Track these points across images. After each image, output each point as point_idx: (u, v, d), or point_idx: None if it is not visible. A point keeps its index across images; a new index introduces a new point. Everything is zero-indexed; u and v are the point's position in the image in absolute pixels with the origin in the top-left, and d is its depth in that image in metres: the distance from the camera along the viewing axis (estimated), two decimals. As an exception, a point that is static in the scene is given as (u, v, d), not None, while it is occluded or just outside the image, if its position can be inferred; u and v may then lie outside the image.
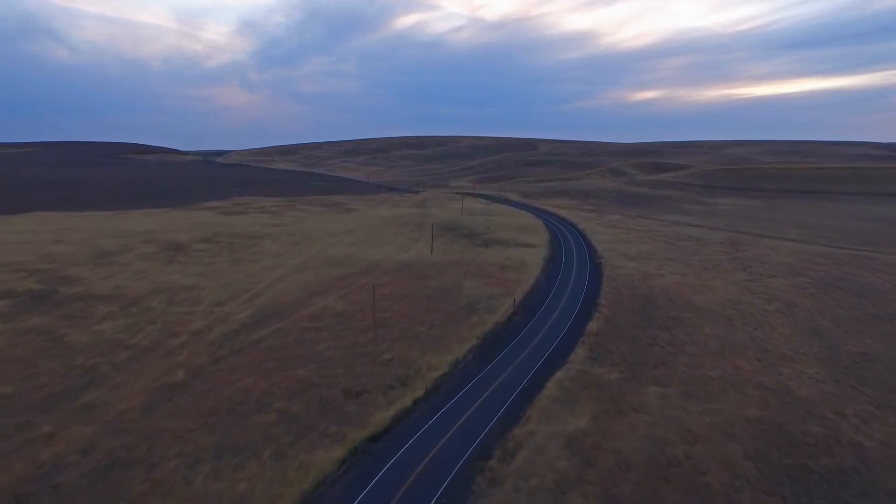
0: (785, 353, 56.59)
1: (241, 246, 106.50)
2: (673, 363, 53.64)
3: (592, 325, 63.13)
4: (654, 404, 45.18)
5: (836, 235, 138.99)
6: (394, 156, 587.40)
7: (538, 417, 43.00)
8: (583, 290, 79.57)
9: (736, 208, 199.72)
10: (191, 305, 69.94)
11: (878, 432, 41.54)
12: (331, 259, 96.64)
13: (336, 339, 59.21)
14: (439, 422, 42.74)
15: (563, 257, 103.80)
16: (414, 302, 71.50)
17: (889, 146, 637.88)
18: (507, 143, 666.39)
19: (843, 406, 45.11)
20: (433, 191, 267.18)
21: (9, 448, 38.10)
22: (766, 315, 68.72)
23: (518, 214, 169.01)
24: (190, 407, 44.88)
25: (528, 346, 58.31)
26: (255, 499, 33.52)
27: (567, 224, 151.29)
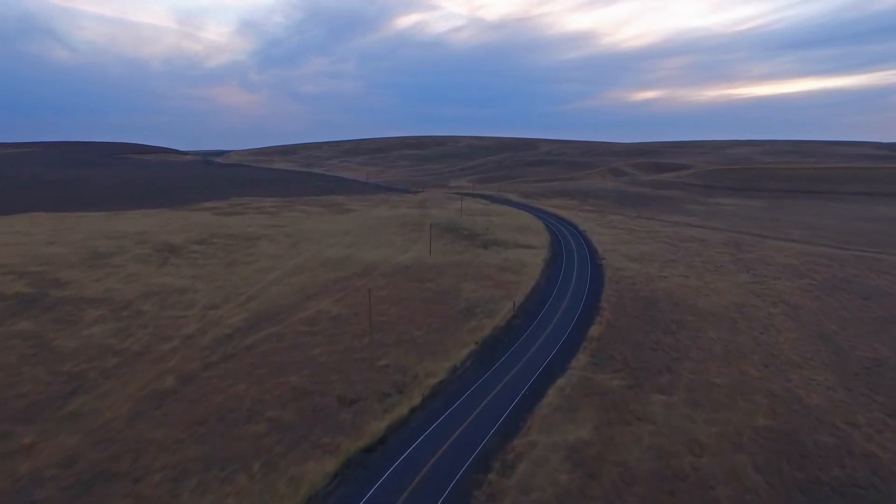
0: (792, 359, 55.06)
1: (237, 247, 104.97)
2: (677, 369, 52.13)
3: (594, 330, 61.61)
4: (659, 413, 43.66)
5: (838, 236, 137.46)
6: (393, 156, 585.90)
7: (539, 427, 41.48)
8: (584, 293, 78.06)
9: (737, 209, 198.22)
10: (183, 309, 68.42)
11: (892, 442, 40.03)
12: (328, 261, 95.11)
13: (331, 343, 57.69)
14: (436, 432, 41.21)
15: (564, 259, 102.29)
16: (411, 305, 69.97)
17: (889, 146, 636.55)
18: (507, 143, 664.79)
19: (854, 415, 43.58)
20: (432, 191, 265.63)
21: (-13, 461, 36.61)
22: (771, 318, 67.20)
23: (518, 215, 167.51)
24: (179, 416, 43.36)
25: (528, 351, 56.77)
26: (243, 515, 32.04)
27: (567, 224, 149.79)
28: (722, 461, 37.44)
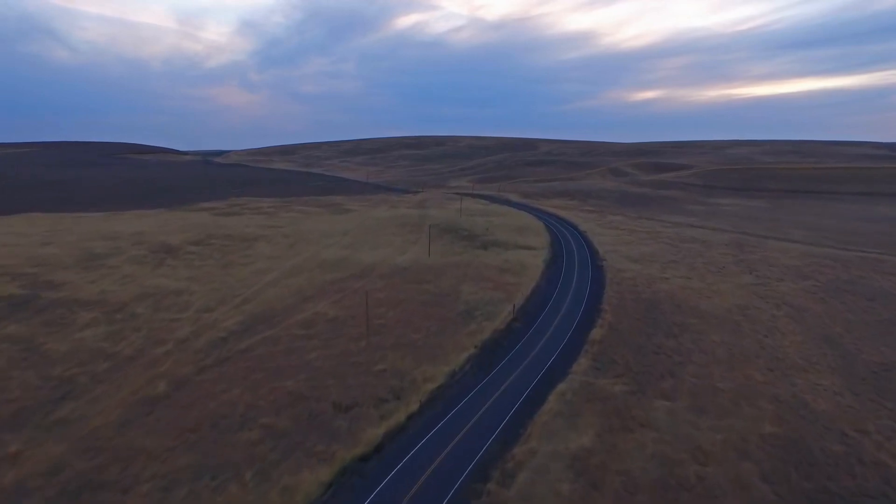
0: (797, 363, 53.99)
1: (234, 248, 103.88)
2: (680, 373, 51.06)
3: (595, 333, 60.53)
4: (663, 419, 42.58)
5: (840, 236, 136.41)
6: (393, 156, 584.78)
7: (539, 434, 40.40)
8: (585, 295, 76.98)
9: (739, 209, 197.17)
10: (178, 311, 67.34)
11: (902, 450, 38.93)
12: (325, 262, 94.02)
13: (327, 347, 56.61)
14: (434, 439, 40.13)
15: (564, 260, 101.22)
16: (410, 308, 68.89)
17: (889, 146, 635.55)
18: (507, 143, 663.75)
19: (863, 421, 42.50)
20: (432, 191, 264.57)
21: (-30, 470, 35.53)
22: (775, 321, 66.14)
23: (518, 215, 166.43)
24: (170, 422, 42.28)
25: (528, 355, 55.69)
26: (233, 528, 30.97)
27: (568, 225, 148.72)
28: (728, 470, 36.37)
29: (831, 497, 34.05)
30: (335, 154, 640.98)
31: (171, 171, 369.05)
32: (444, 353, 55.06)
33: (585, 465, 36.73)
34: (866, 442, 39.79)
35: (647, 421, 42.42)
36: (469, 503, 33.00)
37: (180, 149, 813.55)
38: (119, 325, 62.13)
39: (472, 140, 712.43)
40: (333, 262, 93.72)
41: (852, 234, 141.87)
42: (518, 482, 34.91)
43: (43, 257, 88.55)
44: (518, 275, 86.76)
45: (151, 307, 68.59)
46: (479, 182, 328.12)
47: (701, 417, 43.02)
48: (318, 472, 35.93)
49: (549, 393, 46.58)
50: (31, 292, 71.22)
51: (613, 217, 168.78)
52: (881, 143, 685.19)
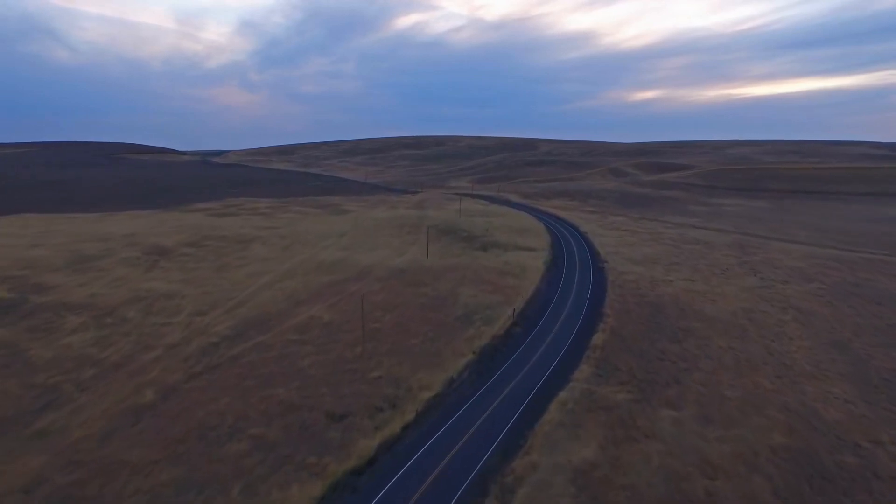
0: (806, 369, 52.31)
1: (229, 250, 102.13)
2: (686, 381, 49.38)
3: (598, 338, 58.82)
4: (668, 430, 40.88)
5: (844, 237, 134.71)
6: (392, 156, 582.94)
7: (540, 446, 38.71)
8: (586, 298, 75.28)
9: (741, 209, 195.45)
10: (169, 316, 65.64)
11: (919, 463, 37.24)
12: (321, 264, 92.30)
13: (321, 353, 54.91)
14: (430, 451, 38.45)
15: (565, 261, 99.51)
16: (407, 312, 67.18)
17: (889, 146, 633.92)
18: (507, 143, 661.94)
19: (877, 432, 40.81)
20: (431, 191, 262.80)
21: (-57, 486, 33.85)
22: (782, 325, 64.44)
23: (518, 216, 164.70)
24: (156, 433, 40.59)
25: (528, 361, 53.99)
26: (216, 550, 29.27)
27: (568, 226, 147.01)
28: (738, 485, 34.69)
29: (847, 514, 32.40)
30: (334, 154, 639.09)
31: (168, 171, 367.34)
32: (441, 359, 53.37)
33: (588, 479, 35.07)
34: (881, 454, 38.10)
35: (653, 431, 40.75)
36: (466, 522, 31.36)
37: (180, 149, 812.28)
38: (108, 330, 60.43)
39: (471, 140, 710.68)
40: (330, 265, 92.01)
41: (856, 234, 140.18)
42: (518, 498, 33.26)
43: (32, 259, 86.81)
44: (518, 277, 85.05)
45: (142, 311, 66.89)
46: (479, 182, 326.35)
47: (708, 428, 41.33)
48: (308, 487, 34.30)
49: (550, 402, 44.90)
50: (18, 296, 69.51)
51: (615, 218, 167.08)
52: (881, 143, 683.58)
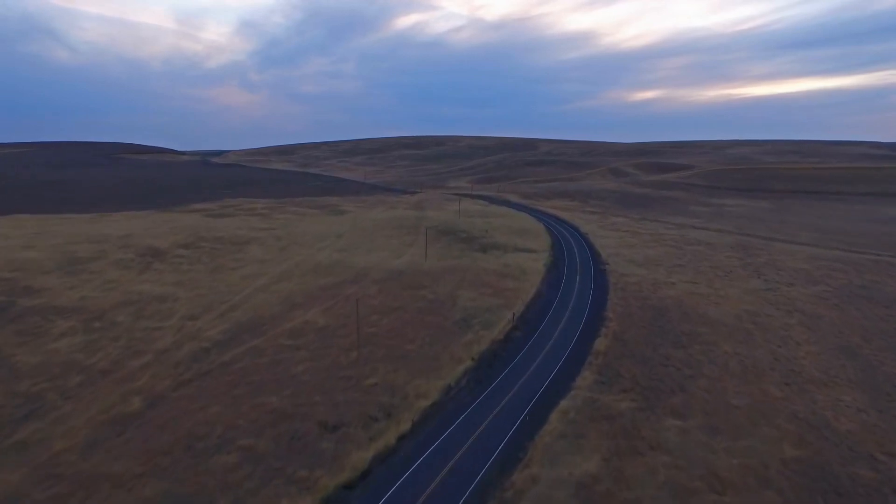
0: (815, 376, 50.73)
1: (224, 252, 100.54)
2: (691, 388, 47.80)
3: (600, 343, 57.24)
4: (674, 441, 39.29)
5: (848, 238, 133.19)
6: (392, 156, 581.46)
7: (541, 458, 37.13)
8: (588, 302, 73.69)
9: (743, 210, 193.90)
10: (160, 319, 64.07)
11: (937, 477, 35.66)
12: (318, 266, 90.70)
13: (315, 359, 53.32)
14: (426, 463, 36.87)
15: (566, 263, 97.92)
16: (404, 316, 65.59)
17: (889, 145, 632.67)
18: (507, 143, 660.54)
19: (892, 443, 39.20)
20: (430, 192, 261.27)
21: (-86, 502, 32.30)
22: (788, 329, 62.87)
23: (518, 217, 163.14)
24: (141, 444, 39.00)
25: (528, 368, 52.39)
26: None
27: (569, 227, 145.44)
28: (748, 500, 33.08)
29: (863, 532, 30.84)
30: (334, 154, 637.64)
31: (168, 171, 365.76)
32: (439, 365, 51.79)
33: (591, 493, 33.50)
34: (897, 467, 36.51)
35: (658, 442, 39.16)
36: (463, 541, 29.78)
37: (180, 149, 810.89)
38: (97, 335, 58.85)
39: (471, 140, 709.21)
40: (326, 266, 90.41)
41: (860, 235, 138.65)
42: (518, 515, 31.69)
43: (23, 261, 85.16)
44: (518, 280, 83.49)
45: (133, 315, 65.32)
46: (479, 182, 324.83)
47: (715, 438, 39.75)
48: (298, 503, 32.73)
49: (551, 411, 43.33)
50: (6, 299, 67.92)
51: (615, 219, 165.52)
52: (881, 143, 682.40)
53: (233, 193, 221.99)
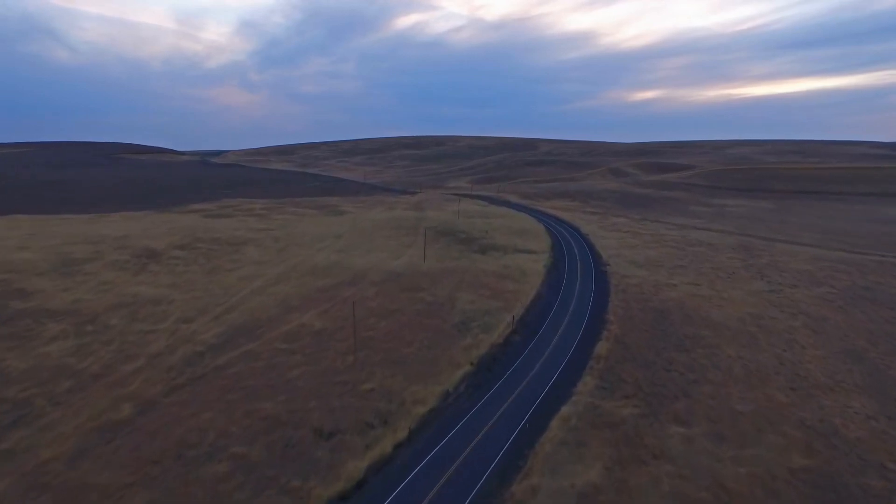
0: (821, 381, 49.65)
1: (221, 253, 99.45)
2: (695, 393, 46.73)
3: (601, 347, 56.18)
4: (678, 449, 38.23)
5: (850, 238, 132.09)
6: (392, 156, 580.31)
7: (541, 467, 36.07)
8: (588, 304, 72.61)
9: (745, 210, 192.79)
10: (154, 322, 63.00)
11: (949, 487, 34.59)
12: (315, 267, 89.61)
13: (311, 363, 52.25)
14: (423, 472, 35.81)
15: (567, 265, 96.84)
16: (402, 318, 64.51)
17: (889, 145, 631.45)
18: (507, 143, 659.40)
19: (902, 452, 38.14)
20: (430, 192, 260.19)
21: None
22: (793, 332, 61.79)
23: (517, 217, 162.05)
24: (130, 452, 37.93)
25: (528, 373, 51.31)
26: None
27: (569, 227, 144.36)
28: (756, 512, 32.04)
29: (875, 545, 29.77)
30: (333, 154, 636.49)
31: (167, 171, 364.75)
32: (437, 370, 50.71)
33: (594, 505, 32.42)
34: (909, 477, 35.43)
35: (661, 451, 38.09)
36: (461, 556, 28.72)
37: (180, 149, 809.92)
38: (89, 339, 57.77)
39: (471, 140, 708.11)
40: (324, 268, 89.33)
41: (862, 236, 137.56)
42: (518, 528, 30.64)
43: (17, 263, 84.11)
44: (518, 281, 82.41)
45: (127, 318, 64.25)
46: (479, 182, 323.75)
47: (721, 447, 38.68)
48: (290, 515, 31.68)
49: (551, 418, 42.27)
50: (-2, 302, 66.85)
51: (616, 219, 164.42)
52: (882, 143, 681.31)
53: (232, 194, 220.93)
